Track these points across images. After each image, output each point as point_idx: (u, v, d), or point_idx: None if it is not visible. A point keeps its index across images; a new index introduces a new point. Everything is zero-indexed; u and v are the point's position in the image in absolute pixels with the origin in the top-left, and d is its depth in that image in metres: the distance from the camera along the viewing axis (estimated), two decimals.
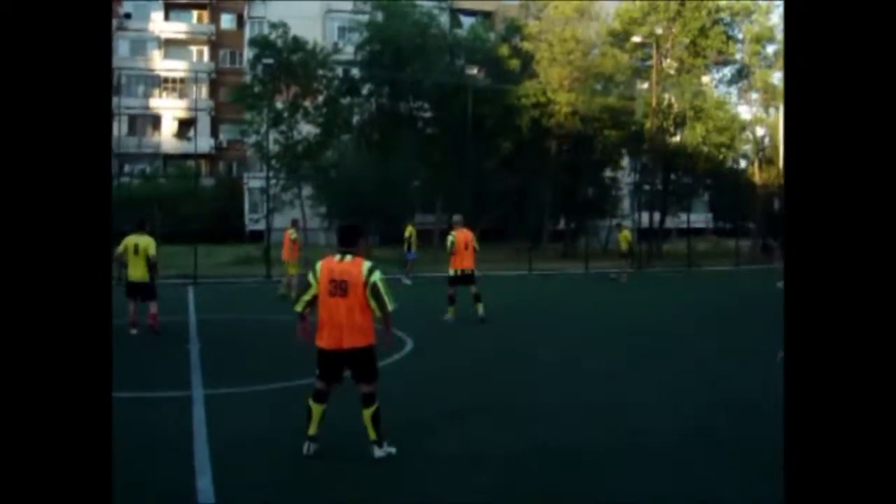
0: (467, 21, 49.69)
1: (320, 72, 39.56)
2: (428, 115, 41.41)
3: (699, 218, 49.73)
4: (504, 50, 40.16)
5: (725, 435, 7.36)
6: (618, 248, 27.79)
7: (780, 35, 43.07)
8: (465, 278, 15.15)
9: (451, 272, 15.22)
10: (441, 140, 39.38)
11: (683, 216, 40.39)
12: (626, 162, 44.67)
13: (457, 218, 15.91)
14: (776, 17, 43.12)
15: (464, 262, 15.13)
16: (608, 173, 43.94)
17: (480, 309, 15.02)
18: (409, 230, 25.43)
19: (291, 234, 20.20)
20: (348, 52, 41.58)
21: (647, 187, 41.58)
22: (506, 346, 12.51)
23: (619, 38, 40.80)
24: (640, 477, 6.12)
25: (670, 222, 43.39)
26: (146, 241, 13.31)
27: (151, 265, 13.29)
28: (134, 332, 13.06)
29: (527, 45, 39.22)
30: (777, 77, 44.10)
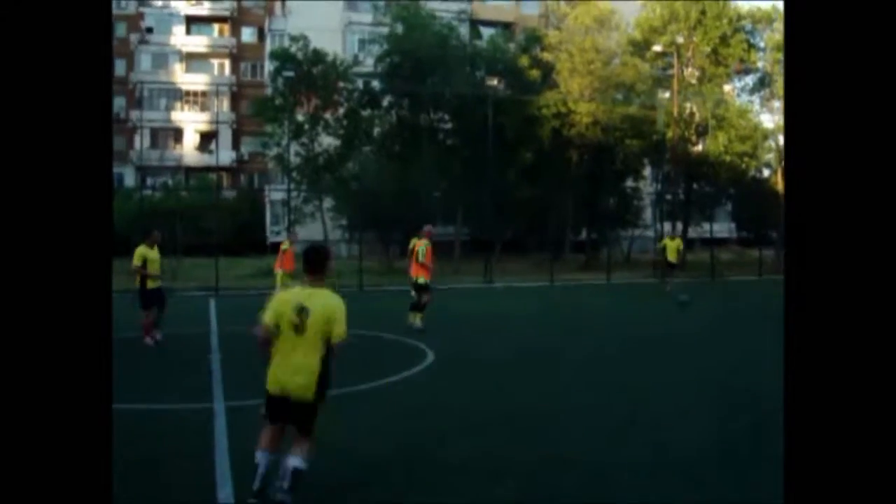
0: (487, 32, 49.72)
1: (341, 84, 39.66)
2: (448, 126, 41.41)
3: (722, 228, 49.36)
4: (524, 60, 40.11)
5: (749, 446, 7.22)
6: (662, 256, 26.52)
7: None
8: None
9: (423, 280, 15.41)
10: (461, 151, 39.39)
11: (706, 226, 40.12)
12: (647, 172, 44.49)
13: (427, 227, 16.06)
14: None
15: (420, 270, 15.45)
16: (630, 183, 43.80)
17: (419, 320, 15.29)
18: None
19: (284, 244, 20.00)
20: (368, 64, 41.69)
21: (669, 197, 41.34)
22: (527, 358, 12.41)
23: (639, 47, 40.71)
24: (661, 489, 6.00)
25: (693, 232, 43.09)
26: (136, 251, 13.43)
27: (133, 273, 13.39)
28: (148, 341, 13.17)
29: (547, 56, 39.20)
30: None
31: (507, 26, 51.91)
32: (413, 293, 15.53)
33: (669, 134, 38.96)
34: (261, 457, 5.44)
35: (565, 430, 7.93)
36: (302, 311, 5.39)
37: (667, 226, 39.17)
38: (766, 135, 44.36)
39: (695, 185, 42.62)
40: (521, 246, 38.95)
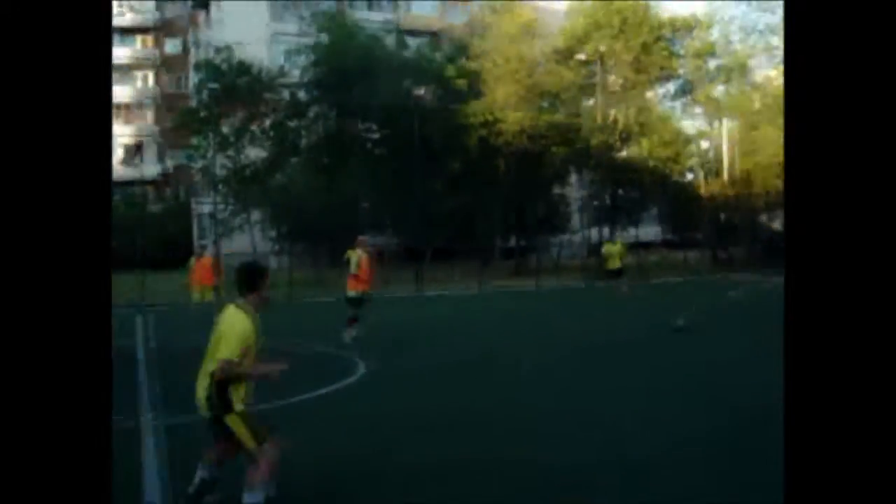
0: (413, 42, 49.87)
1: (267, 95, 39.35)
2: (376, 136, 41.44)
3: (648, 231, 50.24)
4: (450, 70, 40.33)
5: (711, 446, 7.41)
6: (605, 264, 25.30)
7: (720, 50, 43.96)
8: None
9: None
10: (389, 161, 39.40)
11: (633, 230, 40.83)
12: (574, 178, 45.03)
13: (362, 238, 15.80)
14: (717, 33, 44.00)
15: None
16: (557, 190, 44.33)
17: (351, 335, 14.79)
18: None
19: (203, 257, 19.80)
20: (295, 75, 41.45)
21: (595, 202, 41.95)
22: (460, 365, 12.50)
23: (564, 55, 41.24)
24: (606, 489, 6.14)
25: (620, 236, 43.79)
26: None
27: None
28: None
29: (473, 65, 39.43)
30: (719, 90, 44.96)
31: (433, 35, 52.09)
32: (349, 307, 15.19)
33: (594, 140, 39.55)
34: (199, 467, 5.57)
35: (503, 433, 8.06)
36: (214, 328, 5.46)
37: (594, 231, 39.70)
38: (688, 140, 45.44)
39: (620, 191, 43.35)
40: (450, 254, 39.09)
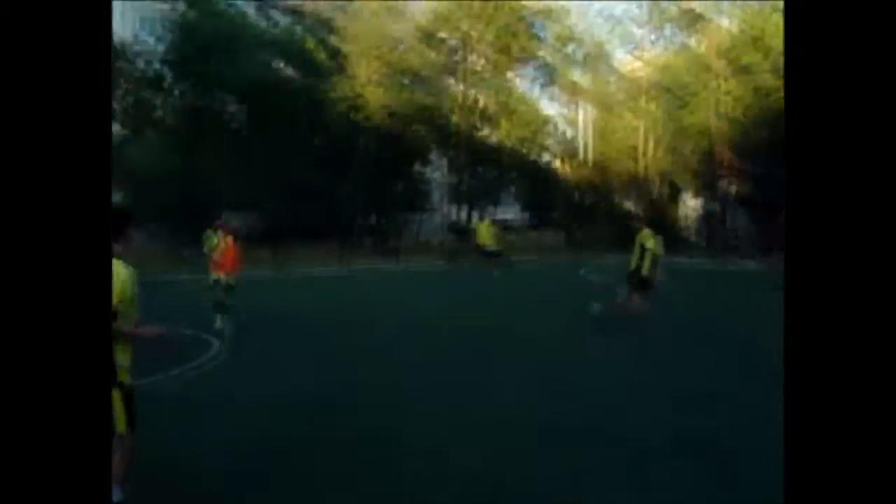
0: (277, 17, 48.89)
1: (120, 64, 37.77)
2: (235, 110, 40.51)
3: (508, 211, 51.19)
4: (314, 46, 39.83)
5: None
6: (481, 241, 24.89)
7: (581, 35, 45.07)
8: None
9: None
10: (252, 137, 38.61)
11: (492, 209, 41.50)
12: (435, 157, 45.36)
13: (221, 221, 15.10)
14: (576, 18, 45.07)
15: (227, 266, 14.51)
16: (418, 168, 44.55)
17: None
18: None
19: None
20: (150, 44, 39.94)
21: (456, 182, 42.40)
22: (320, 346, 12.52)
23: (427, 35, 41.36)
24: (438, 467, 6.31)
25: (480, 216, 44.46)
26: None
27: None
28: None
29: (336, 40, 39.06)
30: (578, 75, 46.10)
31: (297, 11, 51.20)
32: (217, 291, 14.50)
33: (456, 120, 39.92)
34: None
35: (362, 415, 8.20)
36: None
37: (453, 210, 40.15)
38: (547, 121, 46.47)
39: (480, 170, 43.96)
40: (312, 232, 38.79)
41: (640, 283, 13.82)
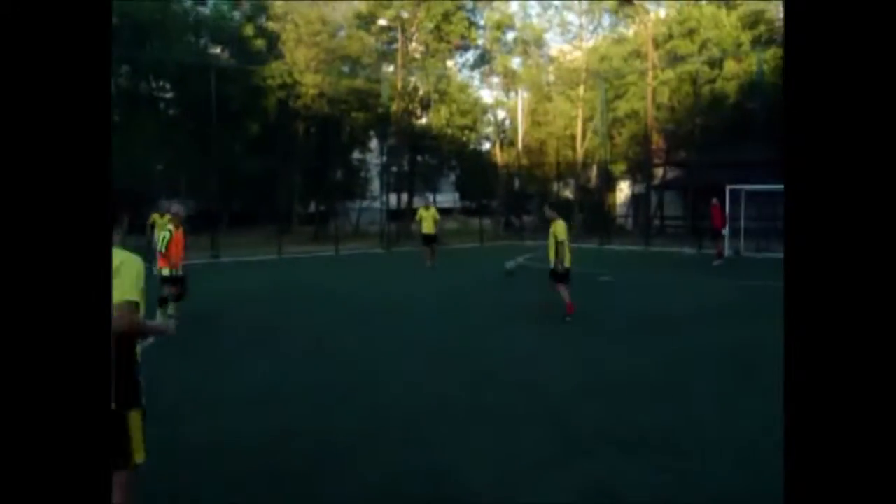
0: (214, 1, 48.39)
1: None
2: (170, 96, 39.97)
3: (447, 198, 51.41)
4: (249, 30, 39.49)
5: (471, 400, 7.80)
6: (426, 229, 24.42)
7: (518, 22, 45.35)
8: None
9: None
10: (185, 122, 38.13)
11: (431, 196, 41.60)
12: (374, 144, 45.32)
13: (176, 208, 14.14)
14: (515, 6, 45.37)
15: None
16: (357, 155, 44.48)
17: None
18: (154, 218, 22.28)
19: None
20: None
21: (394, 169, 42.42)
22: (255, 333, 12.48)
23: (365, 20, 41.24)
24: (383, 453, 6.37)
25: (418, 202, 44.55)
26: None
27: None
28: None
29: (273, 26, 38.71)
30: (516, 62, 46.39)
31: None
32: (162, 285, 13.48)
33: (394, 107, 39.91)
34: None
35: (296, 402, 8.20)
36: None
37: (392, 197, 40.16)
38: (485, 109, 46.75)
39: (419, 157, 44.06)
40: (249, 219, 38.53)
41: (563, 276, 14.03)
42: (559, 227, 13.94)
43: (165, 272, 13.62)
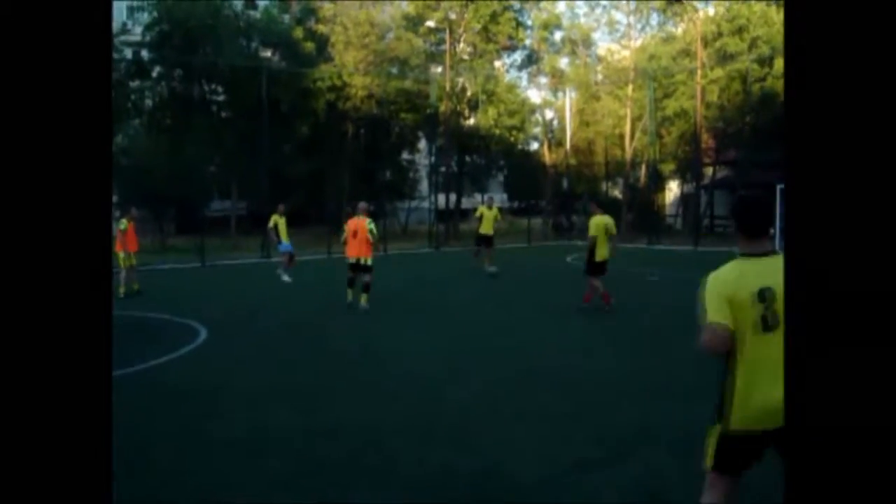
0: (262, 3, 48.89)
1: None
2: (222, 98, 40.50)
3: (495, 198, 51.34)
4: (299, 33, 39.82)
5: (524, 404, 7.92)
6: (484, 229, 23.59)
7: (566, 21, 45.24)
8: None
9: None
10: (236, 124, 38.53)
11: (479, 197, 41.69)
12: (422, 144, 45.50)
13: (363, 206, 15.73)
14: (562, 6, 45.29)
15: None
16: (405, 156, 44.71)
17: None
18: (275, 219, 22.24)
19: (121, 223, 18.28)
20: (137, 32, 39.93)
21: (443, 169, 42.57)
22: (305, 332, 12.69)
23: (413, 22, 41.46)
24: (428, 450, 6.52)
25: (467, 203, 44.70)
26: None
27: None
28: None
29: (322, 28, 39.05)
30: (564, 62, 46.28)
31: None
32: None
33: (442, 108, 40.06)
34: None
35: (344, 402, 8.35)
36: (764, 295, 3.82)
37: (441, 197, 40.30)
38: (533, 109, 46.71)
39: (467, 158, 44.18)
40: (300, 219, 38.83)
41: (594, 269, 14.44)
42: (592, 222, 14.32)
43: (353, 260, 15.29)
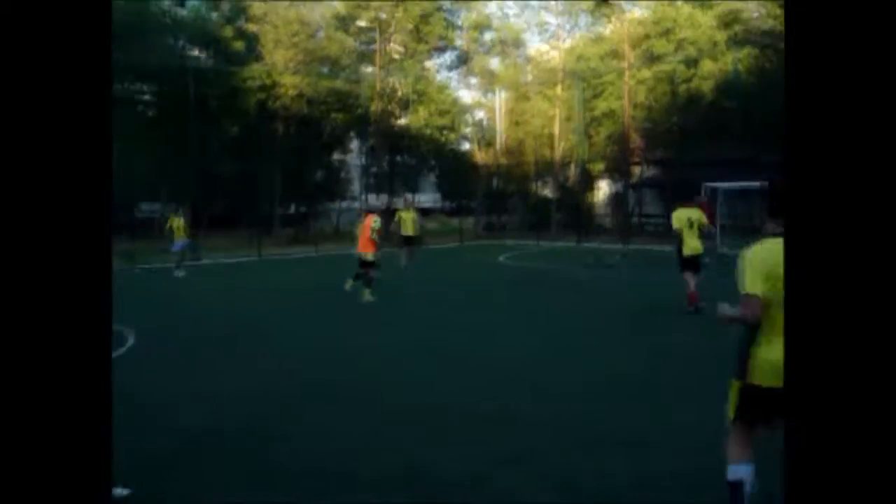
0: (190, 1, 48.15)
1: None
2: (149, 97, 39.83)
3: (428, 198, 51.56)
4: (228, 31, 39.34)
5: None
6: (405, 230, 24.16)
7: (496, 22, 45.54)
8: None
9: None
10: (164, 124, 37.95)
11: (411, 197, 41.71)
12: (354, 144, 45.36)
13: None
14: (493, 7, 45.60)
15: None
16: (337, 156, 44.52)
17: None
18: (171, 220, 23.73)
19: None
20: None
21: (374, 169, 42.51)
22: (237, 333, 12.58)
23: (344, 21, 41.32)
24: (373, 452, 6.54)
25: (399, 203, 44.65)
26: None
27: None
28: None
29: (251, 27, 38.65)
30: (494, 63, 46.59)
31: None
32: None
33: (373, 108, 40.02)
34: (746, 473, 4.58)
35: (275, 404, 8.30)
36: None
37: (372, 198, 40.27)
38: (464, 109, 46.95)
39: (399, 158, 44.19)
40: (229, 221, 38.41)
41: (685, 264, 14.09)
42: (674, 215, 14.28)
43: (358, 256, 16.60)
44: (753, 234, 27.38)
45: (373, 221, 16.22)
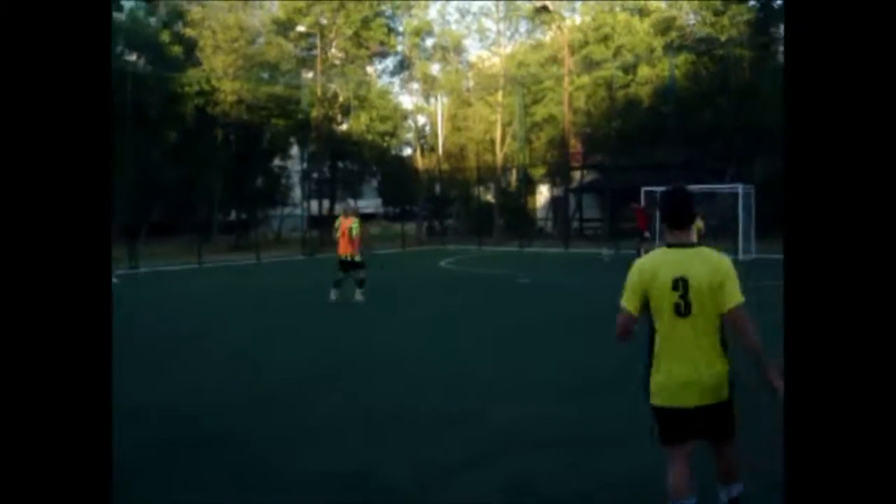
0: (127, 5, 47.43)
1: None
2: None
3: (369, 203, 51.50)
4: (166, 36, 38.89)
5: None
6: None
7: (437, 28, 45.67)
8: None
9: None
10: None
11: (353, 202, 41.58)
12: (295, 151, 45.12)
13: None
14: (434, 13, 45.72)
15: None
16: (277, 162, 44.27)
17: None
18: None
19: None
20: None
21: (315, 175, 42.32)
22: (171, 342, 12.42)
23: (284, 27, 41.09)
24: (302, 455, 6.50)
25: (340, 209, 44.48)
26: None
27: None
28: None
29: (190, 32, 38.24)
30: (435, 68, 46.71)
31: (151, 1, 49.78)
32: None
33: (314, 113, 39.85)
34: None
35: (216, 409, 8.23)
36: (678, 284, 4.17)
37: (314, 204, 40.09)
38: (405, 115, 47.02)
39: (340, 164, 44.07)
40: (168, 228, 37.95)
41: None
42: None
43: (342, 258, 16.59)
44: None
45: (352, 223, 16.31)
